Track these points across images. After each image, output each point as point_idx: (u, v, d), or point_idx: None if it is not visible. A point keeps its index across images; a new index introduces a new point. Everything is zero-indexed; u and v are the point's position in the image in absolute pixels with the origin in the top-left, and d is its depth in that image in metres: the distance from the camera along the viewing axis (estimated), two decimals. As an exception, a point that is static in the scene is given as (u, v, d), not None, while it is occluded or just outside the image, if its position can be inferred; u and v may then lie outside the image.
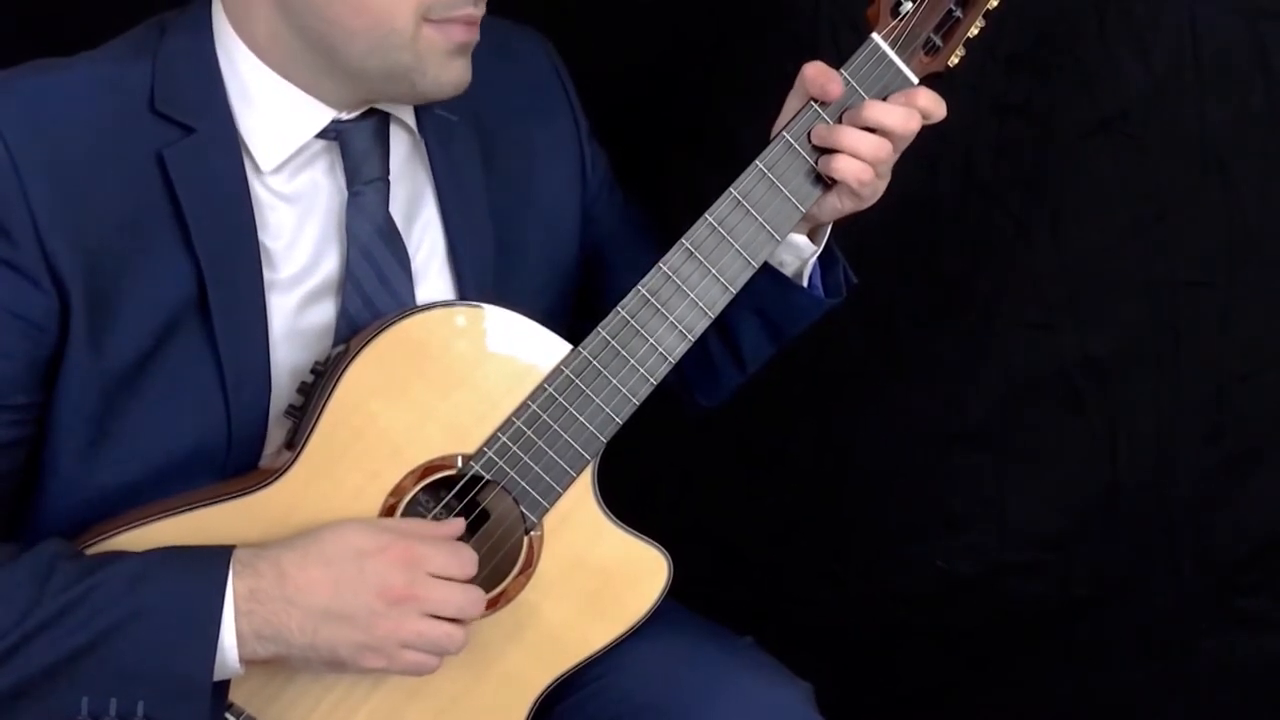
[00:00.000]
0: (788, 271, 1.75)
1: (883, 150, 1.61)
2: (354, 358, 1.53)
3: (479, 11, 1.56)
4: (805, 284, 1.76)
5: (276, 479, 1.53)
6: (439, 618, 1.49)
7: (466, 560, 1.51)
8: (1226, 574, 2.36)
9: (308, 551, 1.47)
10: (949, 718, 2.53)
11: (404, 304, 1.61)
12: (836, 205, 1.66)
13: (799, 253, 1.73)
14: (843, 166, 1.60)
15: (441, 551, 1.50)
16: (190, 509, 1.51)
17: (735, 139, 2.14)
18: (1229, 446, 2.30)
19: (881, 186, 1.67)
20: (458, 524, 1.55)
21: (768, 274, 1.72)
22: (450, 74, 1.56)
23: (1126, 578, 2.39)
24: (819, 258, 1.76)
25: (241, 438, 1.56)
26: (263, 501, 1.52)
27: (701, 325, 1.60)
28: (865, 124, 1.61)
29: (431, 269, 1.68)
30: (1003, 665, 2.48)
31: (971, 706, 2.51)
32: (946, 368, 2.38)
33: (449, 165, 1.68)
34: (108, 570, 1.43)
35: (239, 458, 1.57)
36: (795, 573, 2.51)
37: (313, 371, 1.58)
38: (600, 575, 1.64)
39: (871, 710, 2.30)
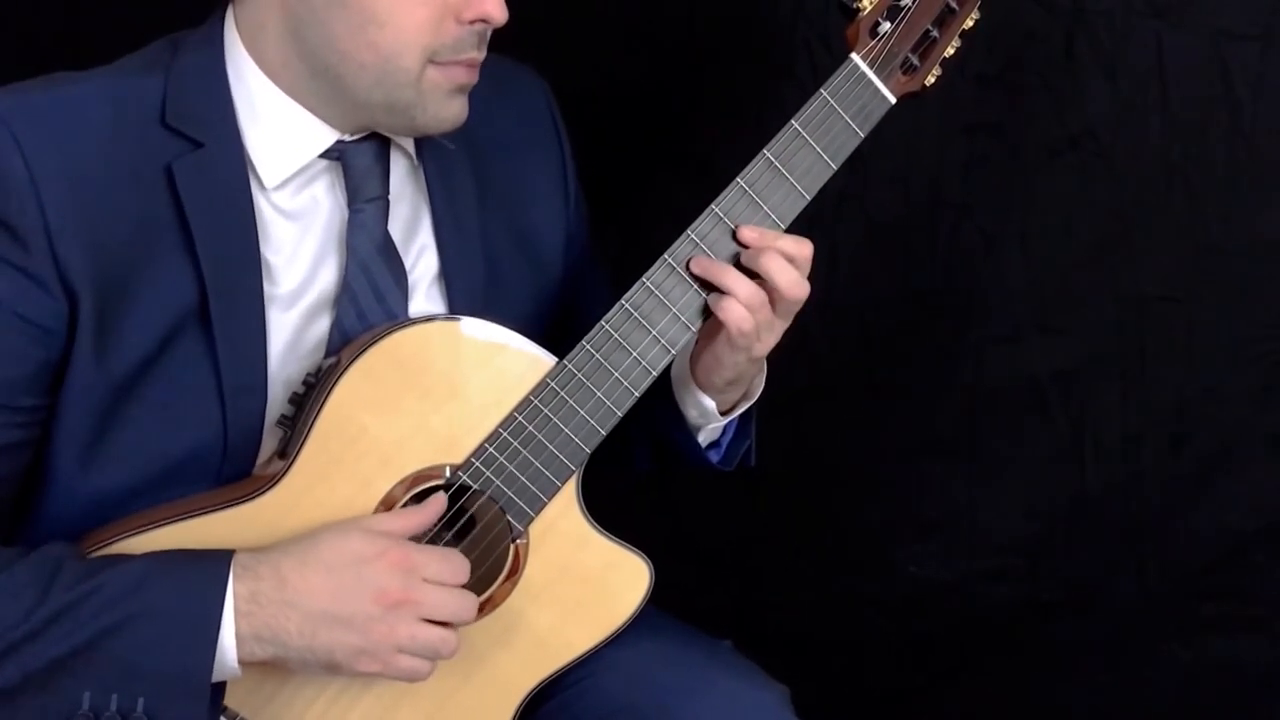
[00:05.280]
0: (690, 420, 1.78)
1: (756, 299, 1.62)
2: (346, 370, 1.55)
3: (480, 55, 1.60)
4: (713, 438, 1.81)
5: (270, 488, 1.55)
6: (433, 623, 1.52)
7: (459, 566, 1.54)
8: (1191, 579, 2.39)
9: (307, 557, 1.49)
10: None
11: (396, 319, 1.64)
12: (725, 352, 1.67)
13: (705, 415, 1.76)
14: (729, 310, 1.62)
15: (436, 558, 1.53)
16: (186, 517, 1.53)
17: (715, 158, 2.16)
18: (1193, 455, 2.33)
19: (767, 339, 1.67)
20: (439, 501, 1.57)
21: (671, 408, 1.76)
22: (448, 111, 1.60)
23: (1094, 583, 2.42)
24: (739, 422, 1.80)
25: (236, 446, 1.58)
26: (257, 510, 1.55)
27: (684, 339, 1.63)
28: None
29: (424, 291, 1.70)
30: (973, 668, 2.50)
31: (943, 708, 2.53)
32: (918, 378, 2.41)
33: (446, 192, 1.72)
34: (111, 571, 1.46)
35: (233, 465, 1.59)
36: (772, 579, 2.53)
37: (304, 383, 1.60)
38: (584, 582, 1.66)
39: (846, 712, 2.30)
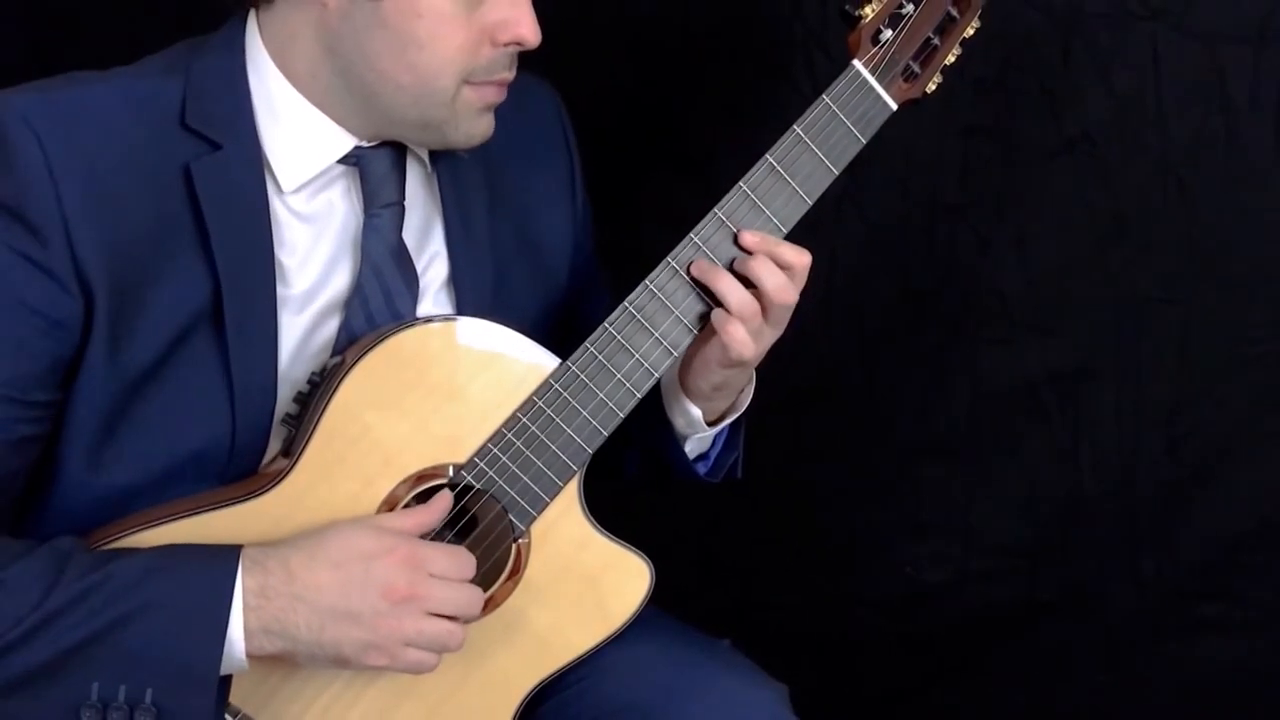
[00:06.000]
0: (677, 429, 1.79)
1: (748, 308, 1.63)
2: (350, 369, 1.56)
3: (511, 75, 1.63)
4: (702, 449, 1.83)
5: (274, 485, 1.56)
6: (440, 616, 1.53)
7: (465, 562, 1.56)
8: (1188, 580, 2.39)
9: (315, 553, 1.50)
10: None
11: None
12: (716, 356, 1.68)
13: (691, 425, 1.77)
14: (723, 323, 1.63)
15: (442, 553, 1.55)
16: (190, 514, 1.55)
17: (713, 161, 2.17)
18: (1189, 457, 2.33)
19: (757, 347, 1.67)
20: (444, 500, 1.59)
21: (660, 417, 1.77)
22: (478, 129, 1.63)
23: (1090, 584, 2.43)
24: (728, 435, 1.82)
25: (244, 445, 1.59)
26: (260, 507, 1.56)
27: (686, 341, 1.64)
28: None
29: (433, 296, 1.72)
30: (969, 669, 2.51)
31: (939, 708, 2.54)
32: (915, 380, 2.41)
33: (458, 200, 1.73)
34: (121, 562, 1.47)
35: (239, 464, 1.60)
36: (770, 579, 2.54)
37: (309, 382, 1.62)
38: (585, 581, 1.68)
39: (844, 711, 2.31)
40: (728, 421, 1.79)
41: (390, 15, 1.54)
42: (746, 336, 1.63)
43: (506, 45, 1.59)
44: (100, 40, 2.19)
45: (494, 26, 1.58)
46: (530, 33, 1.59)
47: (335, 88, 1.61)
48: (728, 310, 1.62)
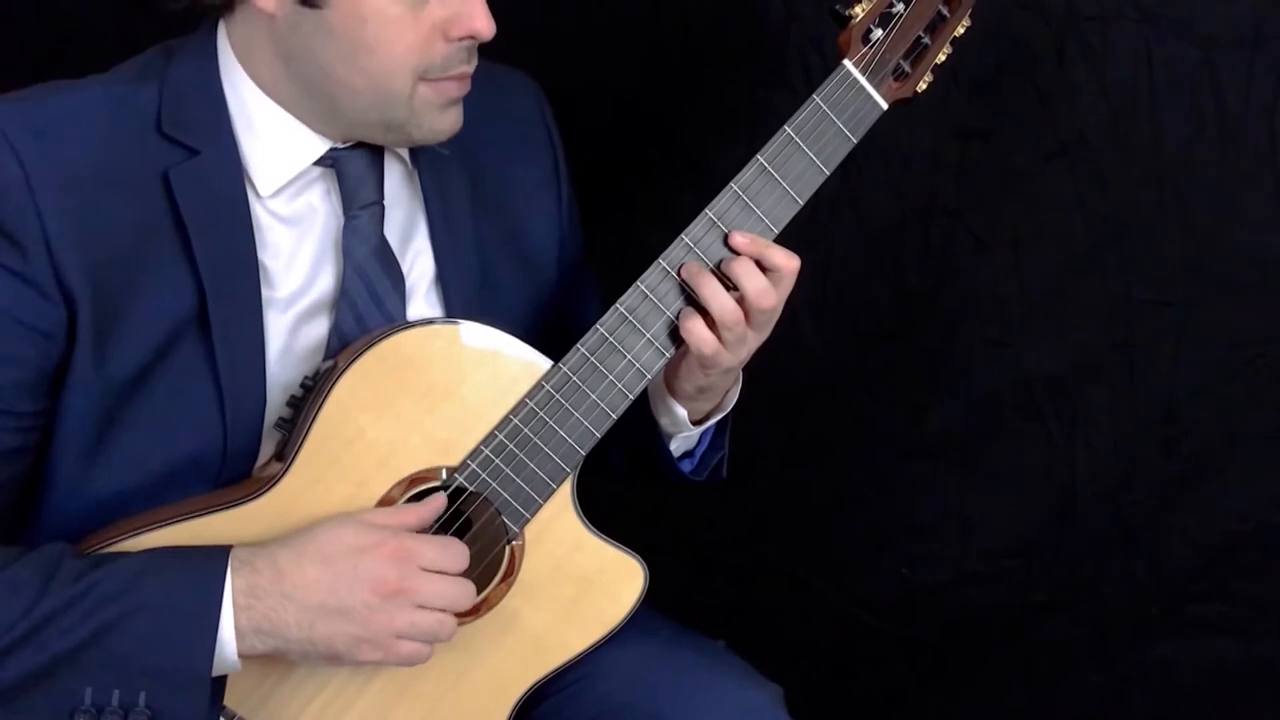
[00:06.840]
0: (662, 427, 1.79)
1: (729, 315, 1.61)
2: (343, 372, 1.56)
3: (470, 68, 1.62)
4: (687, 447, 1.83)
5: (268, 489, 1.56)
6: (431, 609, 1.53)
7: (457, 554, 1.56)
8: (1180, 581, 2.39)
9: (303, 550, 1.51)
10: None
11: (394, 322, 1.65)
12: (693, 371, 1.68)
13: (676, 424, 1.77)
14: (694, 328, 1.62)
15: (432, 546, 1.54)
16: (185, 519, 1.55)
17: (709, 163, 2.17)
18: (1182, 459, 2.34)
19: (738, 352, 1.66)
20: (438, 500, 1.59)
21: (645, 415, 1.77)
22: (443, 124, 1.62)
23: (1084, 585, 2.43)
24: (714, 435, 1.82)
25: (236, 449, 1.59)
26: (255, 511, 1.56)
27: (676, 343, 1.64)
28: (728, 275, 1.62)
29: (423, 294, 1.72)
30: (965, 669, 2.51)
31: (934, 709, 2.54)
32: (911, 382, 2.41)
33: (440, 196, 1.73)
34: (111, 566, 1.47)
35: (232, 468, 1.60)
36: (766, 580, 2.54)
37: (302, 386, 1.61)
38: (579, 583, 1.67)
39: (839, 712, 2.32)
40: (713, 421, 1.79)
41: (336, 23, 1.54)
42: (709, 335, 1.62)
43: (461, 40, 1.58)
44: (100, 40, 2.19)
45: (444, 22, 1.57)
46: (484, 25, 1.58)
47: (297, 94, 1.61)
48: (710, 314, 1.62)
